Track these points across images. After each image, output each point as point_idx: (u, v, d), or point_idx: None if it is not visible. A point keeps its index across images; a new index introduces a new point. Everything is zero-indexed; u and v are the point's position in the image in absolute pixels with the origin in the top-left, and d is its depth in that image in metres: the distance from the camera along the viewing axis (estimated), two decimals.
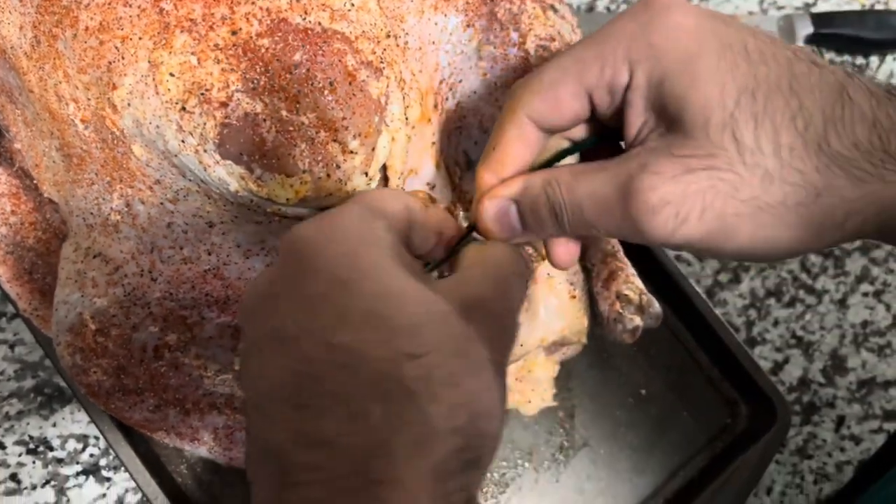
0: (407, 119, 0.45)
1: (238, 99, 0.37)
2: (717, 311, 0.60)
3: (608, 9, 0.69)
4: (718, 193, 0.33)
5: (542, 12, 0.48)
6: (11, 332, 0.58)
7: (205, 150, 0.38)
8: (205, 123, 0.37)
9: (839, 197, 0.33)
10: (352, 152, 0.39)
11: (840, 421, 0.63)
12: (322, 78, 0.38)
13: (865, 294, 0.65)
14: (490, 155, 0.37)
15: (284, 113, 0.37)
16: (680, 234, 0.34)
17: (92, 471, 0.55)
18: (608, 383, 0.60)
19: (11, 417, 0.56)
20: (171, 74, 0.37)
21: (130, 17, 0.38)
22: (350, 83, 0.38)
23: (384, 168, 0.43)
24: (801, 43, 0.68)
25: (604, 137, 0.37)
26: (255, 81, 0.37)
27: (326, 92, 0.38)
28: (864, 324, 0.64)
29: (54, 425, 0.56)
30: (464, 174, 0.50)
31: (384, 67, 0.40)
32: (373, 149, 0.40)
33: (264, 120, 0.37)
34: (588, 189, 0.34)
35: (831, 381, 0.63)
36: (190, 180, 0.41)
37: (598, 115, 0.36)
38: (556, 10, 0.49)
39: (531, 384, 0.52)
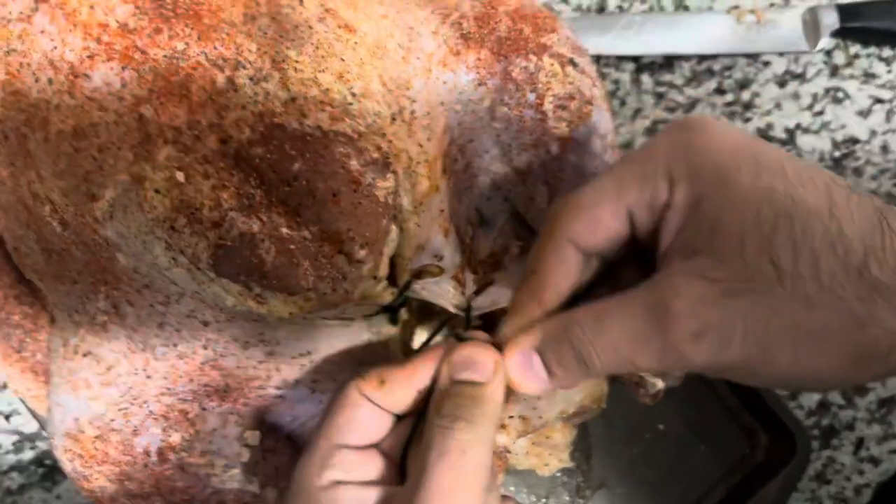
0: (415, 198, 0.41)
1: (232, 218, 0.33)
2: None
3: (620, 7, 0.64)
4: (760, 318, 0.31)
5: (560, 69, 0.44)
6: (6, 402, 0.55)
7: (198, 268, 0.35)
8: (196, 243, 0.34)
9: (882, 328, 0.31)
10: (359, 262, 0.36)
11: (859, 443, 0.62)
12: (324, 189, 0.34)
13: None
14: (530, 280, 0.35)
15: (284, 230, 0.34)
16: (724, 358, 0.32)
17: None
18: (625, 421, 0.58)
19: (14, 492, 0.54)
20: (157, 191, 0.34)
21: (107, 122, 0.34)
22: (355, 190, 0.35)
23: (393, 257, 0.40)
24: (826, 38, 0.64)
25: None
26: (251, 197, 0.34)
27: (329, 204, 0.34)
28: None
29: (58, 497, 0.54)
30: (476, 232, 0.47)
31: (391, 161, 0.36)
32: (381, 252, 0.37)
33: (262, 240, 0.34)
34: (619, 327, 0.32)
35: (851, 402, 0.62)
36: (182, 287, 0.38)
37: (638, 235, 0.33)
38: (575, 65, 0.45)
39: (548, 448, 0.50)
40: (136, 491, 0.43)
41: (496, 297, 0.44)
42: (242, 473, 0.44)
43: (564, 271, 0.34)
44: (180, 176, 0.33)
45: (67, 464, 0.42)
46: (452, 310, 0.43)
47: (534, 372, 0.34)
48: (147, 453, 0.43)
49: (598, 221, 0.33)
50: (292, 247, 0.34)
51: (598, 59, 0.63)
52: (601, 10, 0.64)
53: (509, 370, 0.34)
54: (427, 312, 0.45)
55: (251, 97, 0.33)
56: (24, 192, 0.38)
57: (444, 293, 0.41)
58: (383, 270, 0.38)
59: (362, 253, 0.36)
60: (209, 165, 0.33)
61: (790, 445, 0.57)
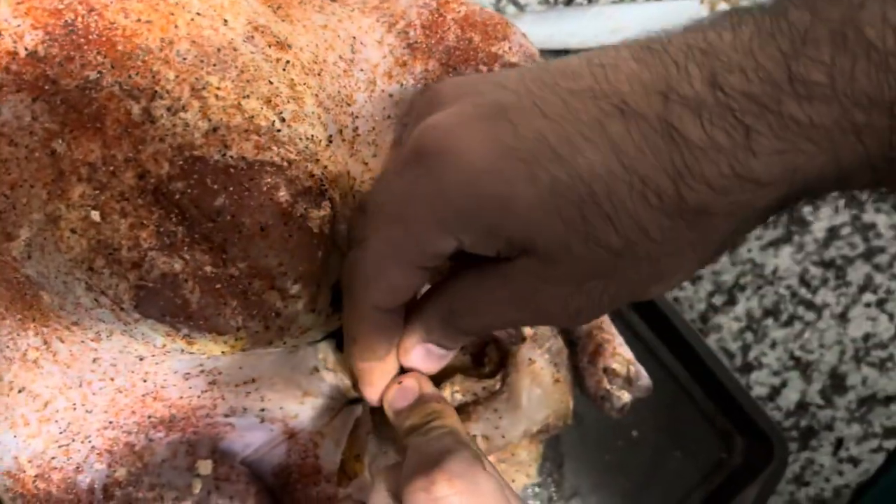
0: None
1: (152, 258, 0.31)
2: (712, 337, 0.57)
3: (588, 0, 0.62)
4: (619, 291, 0.31)
5: None
6: None
7: (122, 310, 0.33)
8: (117, 284, 0.32)
9: (718, 231, 0.29)
10: (294, 297, 0.34)
11: (838, 443, 0.60)
12: (251, 223, 0.32)
13: (868, 304, 0.61)
14: (354, 348, 0.35)
15: (209, 268, 0.32)
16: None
17: None
18: (597, 428, 0.57)
19: None
20: (73, 231, 0.32)
21: (17, 158, 0.32)
22: (285, 223, 0.33)
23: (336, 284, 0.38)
24: None
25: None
26: (172, 235, 0.32)
27: (257, 238, 0.32)
28: (866, 337, 0.61)
29: None
30: None
31: (327, 188, 0.34)
32: (317, 284, 0.35)
33: (185, 280, 0.32)
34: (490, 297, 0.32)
35: (830, 402, 0.60)
36: (111, 324, 0.36)
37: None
38: None
39: (514, 465, 0.49)
40: None
41: None
42: None
43: (383, 332, 0.34)
44: (96, 215, 0.31)
45: (9, 503, 0.41)
46: None
47: (434, 355, 0.35)
48: (91, 490, 0.41)
49: (393, 286, 0.32)
50: (218, 286, 0.32)
51: (566, 53, 0.60)
52: (569, 2, 0.62)
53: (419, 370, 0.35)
54: None
55: (169, 129, 0.31)
56: None
57: None
58: (323, 302, 0.36)
59: (296, 287, 0.34)
60: (126, 203, 0.31)
61: (767, 449, 0.56)
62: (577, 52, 0.61)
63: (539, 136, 0.29)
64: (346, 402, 0.43)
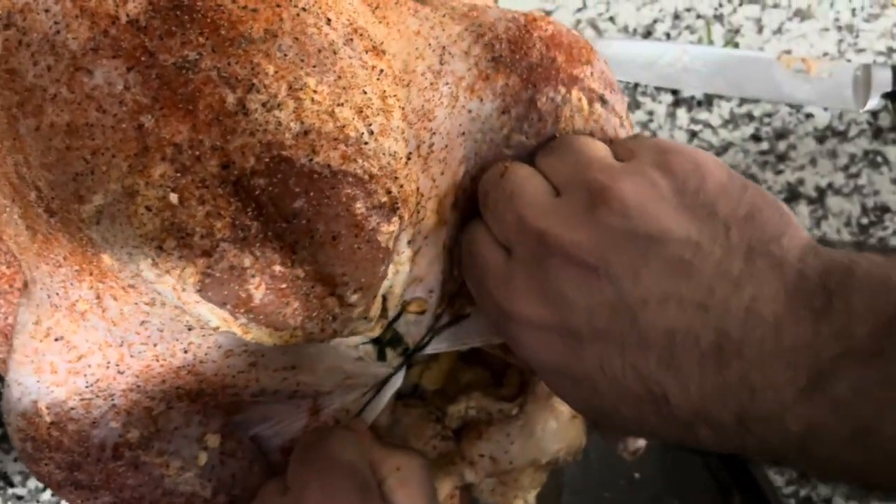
0: (420, 232, 0.39)
1: (224, 249, 0.31)
2: None
3: (667, 35, 0.61)
4: None
5: (587, 105, 0.42)
6: None
7: (183, 290, 0.33)
8: (184, 268, 0.32)
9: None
10: (351, 305, 0.34)
11: None
12: (324, 230, 0.32)
13: None
14: None
15: (277, 267, 0.32)
16: None
17: None
18: (600, 464, 0.57)
19: None
20: (148, 208, 0.32)
21: (104, 126, 0.32)
22: (356, 234, 0.33)
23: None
24: (875, 100, 0.61)
25: None
26: (246, 229, 0.31)
27: (328, 246, 0.32)
28: None
29: (15, 460, 0.53)
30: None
31: (399, 206, 0.34)
32: (374, 296, 0.35)
33: (253, 276, 0.32)
34: None
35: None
36: (166, 299, 0.36)
37: None
38: (605, 102, 0.42)
39: (515, 489, 0.49)
40: (85, 482, 0.41)
41: (463, 334, 0.43)
42: (196, 478, 0.43)
43: None
44: (174, 198, 0.31)
45: (19, 443, 0.41)
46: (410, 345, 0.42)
47: None
48: (102, 447, 0.41)
49: None
50: (283, 285, 0.32)
51: (635, 86, 0.60)
52: (648, 34, 0.61)
53: None
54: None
55: (261, 124, 0.31)
56: (9, 170, 0.36)
57: (419, 330, 0.40)
58: (375, 312, 0.36)
59: (355, 297, 0.34)
60: (206, 190, 0.31)
61: None
62: (644, 87, 0.60)
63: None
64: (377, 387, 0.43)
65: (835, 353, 0.28)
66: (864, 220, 0.60)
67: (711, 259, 0.31)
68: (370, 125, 0.33)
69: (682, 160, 0.33)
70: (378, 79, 0.34)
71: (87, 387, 0.40)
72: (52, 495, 0.55)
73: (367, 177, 0.32)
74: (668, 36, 0.61)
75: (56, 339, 0.41)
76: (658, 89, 0.60)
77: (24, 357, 0.41)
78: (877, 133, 0.61)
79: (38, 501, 0.54)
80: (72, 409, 0.40)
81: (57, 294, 0.40)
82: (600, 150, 0.37)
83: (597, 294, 0.31)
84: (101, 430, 0.41)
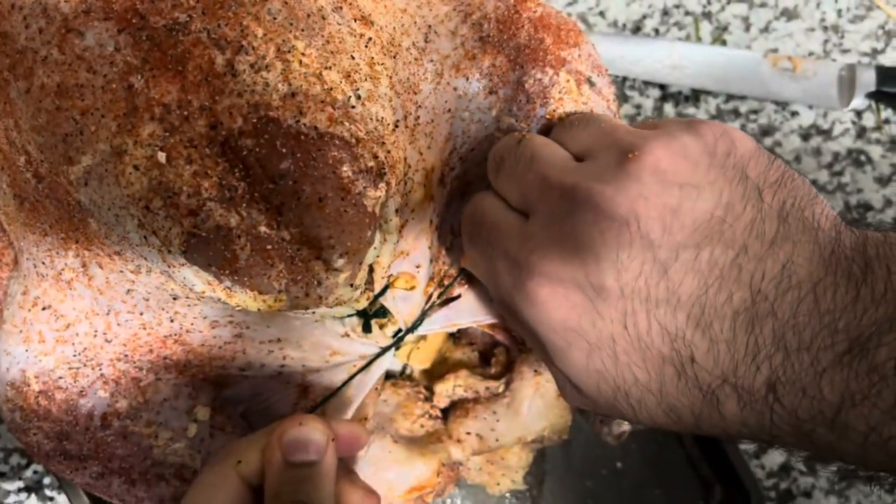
0: (407, 205, 0.40)
1: (210, 209, 0.32)
2: None
3: (656, 31, 0.62)
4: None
5: (575, 87, 0.42)
6: None
7: (168, 252, 0.33)
8: (170, 228, 0.32)
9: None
10: (336, 270, 0.34)
11: None
12: (311, 192, 0.32)
13: None
14: None
15: (263, 228, 0.32)
16: None
17: (35, 488, 0.53)
18: (584, 452, 0.57)
19: None
20: (136, 167, 0.32)
21: (94, 86, 0.32)
22: (343, 198, 0.33)
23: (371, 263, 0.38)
24: (859, 100, 0.62)
25: None
26: (233, 189, 0.32)
27: (314, 208, 0.32)
28: None
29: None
30: (455, 241, 0.45)
31: (386, 172, 0.35)
32: (360, 262, 0.35)
33: (238, 236, 0.32)
34: None
35: (813, 470, 0.61)
36: (154, 263, 0.36)
37: None
38: (592, 84, 0.43)
39: (502, 468, 0.49)
40: (73, 452, 0.41)
41: (454, 315, 0.43)
42: (186, 449, 0.43)
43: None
44: (162, 157, 0.31)
45: (7, 413, 0.41)
46: (401, 324, 0.42)
47: None
48: (91, 416, 0.41)
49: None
50: (269, 247, 0.33)
51: (623, 80, 0.61)
52: (637, 29, 0.62)
53: None
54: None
55: (249, 85, 0.32)
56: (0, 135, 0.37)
57: (408, 307, 0.40)
58: (360, 279, 0.36)
59: (341, 262, 0.34)
60: (193, 150, 0.32)
61: (744, 503, 0.57)
62: (633, 81, 0.61)
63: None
64: (364, 365, 0.43)
65: (877, 318, 0.27)
66: (848, 217, 0.61)
67: (744, 218, 0.30)
68: (357, 90, 0.33)
69: (710, 127, 0.33)
70: (366, 46, 0.35)
71: (74, 356, 0.41)
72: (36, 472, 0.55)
73: (353, 140, 0.33)
74: (656, 32, 0.62)
75: (44, 308, 0.41)
76: (646, 83, 0.61)
77: (13, 327, 0.41)
78: (860, 132, 0.62)
79: (20, 478, 0.54)
80: (60, 377, 0.40)
81: (43, 263, 0.40)
82: (622, 122, 0.37)
83: (626, 248, 0.30)
84: (90, 400, 0.41)
